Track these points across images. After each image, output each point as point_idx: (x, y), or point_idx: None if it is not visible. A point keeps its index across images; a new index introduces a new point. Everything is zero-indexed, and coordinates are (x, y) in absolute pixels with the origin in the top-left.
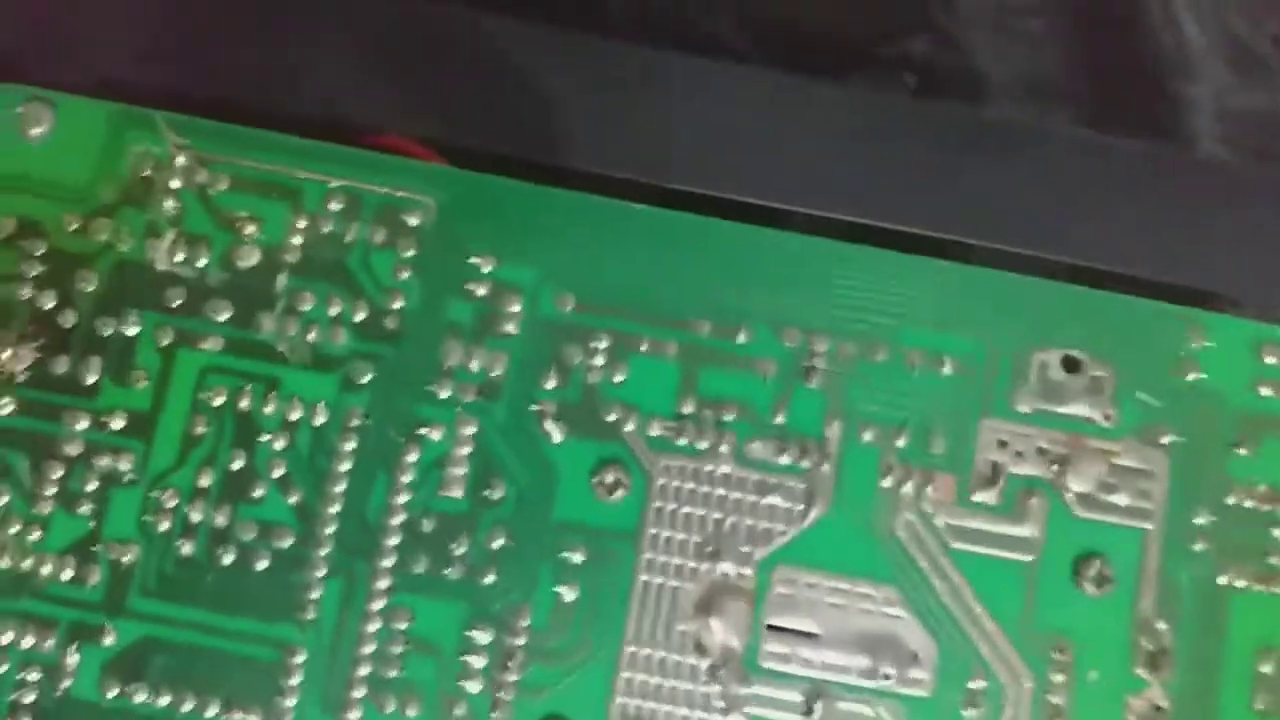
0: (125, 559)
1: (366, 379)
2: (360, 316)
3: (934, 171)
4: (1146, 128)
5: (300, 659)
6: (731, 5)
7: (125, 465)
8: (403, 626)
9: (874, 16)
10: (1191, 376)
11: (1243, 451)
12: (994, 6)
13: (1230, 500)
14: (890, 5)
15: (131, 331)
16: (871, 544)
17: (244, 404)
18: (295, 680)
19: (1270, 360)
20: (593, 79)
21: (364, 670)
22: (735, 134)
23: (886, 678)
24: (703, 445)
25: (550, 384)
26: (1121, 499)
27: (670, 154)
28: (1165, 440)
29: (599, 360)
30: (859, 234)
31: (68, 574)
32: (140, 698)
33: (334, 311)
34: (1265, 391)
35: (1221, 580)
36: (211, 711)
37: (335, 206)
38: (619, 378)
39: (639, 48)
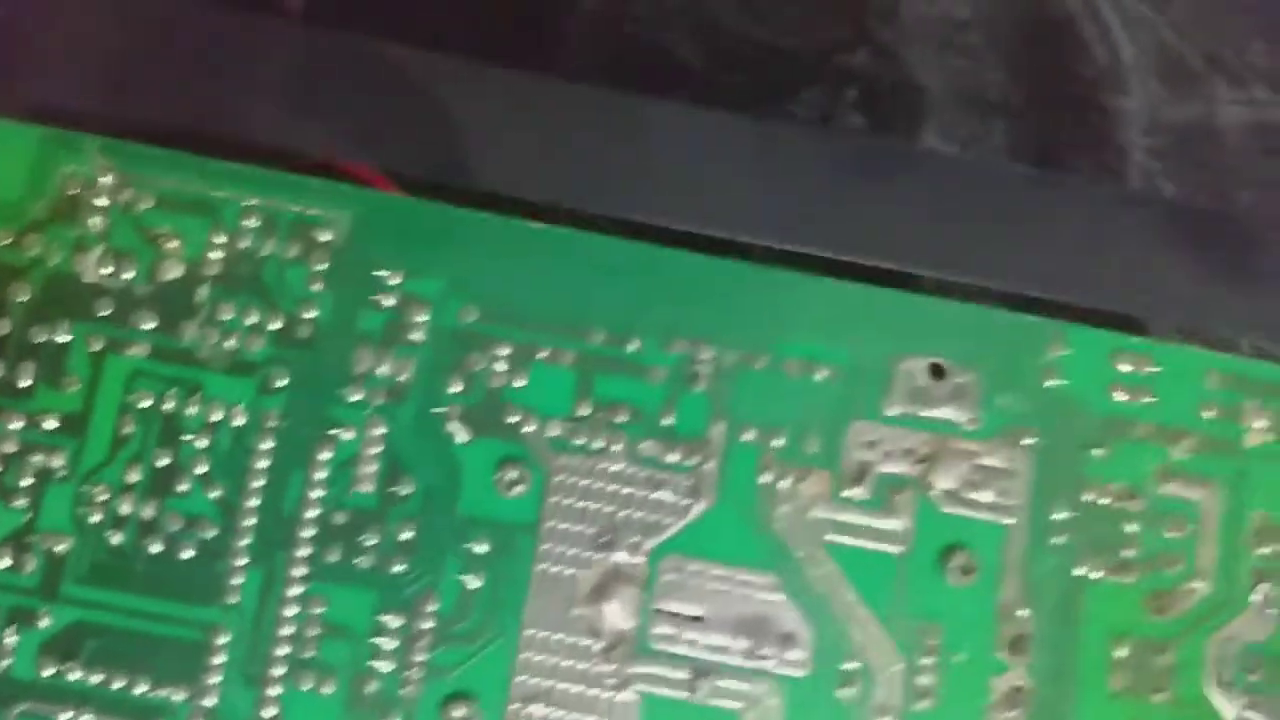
0: (59, 549)
1: (282, 383)
2: (276, 325)
3: (825, 195)
4: (1081, 140)
5: (224, 640)
6: (681, 21)
7: (58, 462)
8: (318, 612)
9: (818, 32)
10: (1051, 383)
11: (1098, 453)
12: (934, 20)
13: (1087, 497)
14: (831, 20)
15: (63, 339)
16: (752, 535)
17: (169, 406)
18: (219, 660)
19: (1124, 368)
20: (509, 111)
21: (283, 651)
22: (646, 162)
23: (765, 658)
24: (597, 444)
25: (455, 388)
26: (985, 496)
27: (572, 177)
28: (1026, 442)
29: (501, 366)
30: (743, 252)
31: (5, 562)
32: (74, 676)
33: (251, 321)
34: (1120, 397)
35: (1078, 571)
36: (141, 689)
37: (251, 224)
38: (519, 383)
39: (562, 84)
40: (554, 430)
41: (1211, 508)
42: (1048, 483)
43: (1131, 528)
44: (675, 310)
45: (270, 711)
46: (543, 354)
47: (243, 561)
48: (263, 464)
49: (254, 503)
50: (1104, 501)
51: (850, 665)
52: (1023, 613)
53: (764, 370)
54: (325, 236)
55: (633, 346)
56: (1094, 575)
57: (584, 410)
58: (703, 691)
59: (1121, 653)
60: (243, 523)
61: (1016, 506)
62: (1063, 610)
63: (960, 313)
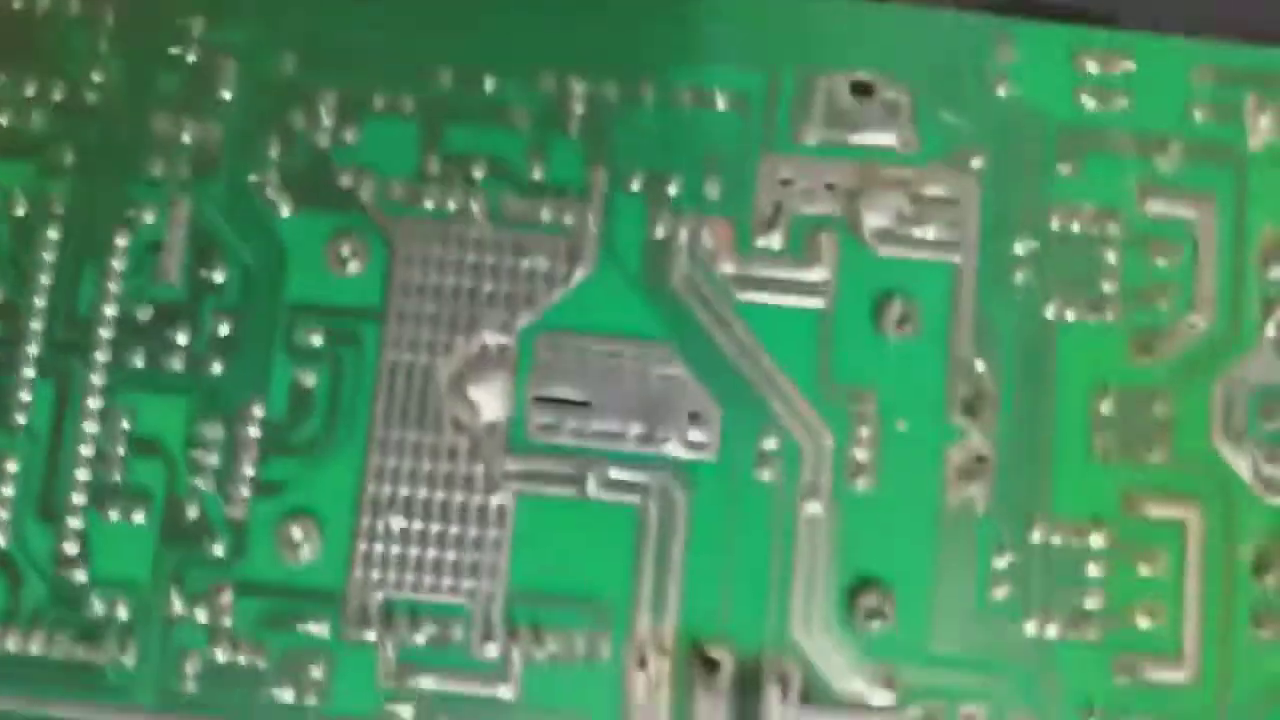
0: None
1: (68, 162)
2: (57, 95)
3: None
4: None
5: (12, 468)
6: None
7: None
8: (123, 426)
9: None
10: (1002, 92)
11: (1064, 170)
12: None
13: (1053, 225)
14: None
15: None
16: (643, 300)
17: None
18: (8, 491)
19: (1091, 67)
20: None
21: (84, 476)
22: None
23: (665, 442)
24: (450, 206)
25: (273, 152)
26: (926, 232)
27: None
28: (975, 164)
29: (327, 122)
30: None
31: None
32: None
33: (28, 92)
34: (1087, 103)
35: (1047, 313)
36: None
37: None
38: (351, 139)
39: None
40: (396, 193)
41: (1208, 226)
42: (1004, 211)
43: (1110, 257)
44: (537, 37)
45: (72, 548)
46: (378, 102)
47: (30, 373)
48: (49, 257)
49: (41, 303)
50: (1074, 228)
51: (769, 444)
52: (979, 366)
53: (650, 103)
54: None
55: (488, 85)
56: (1067, 316)
57: (432, 167)
58: (591, 486)
59: (1105, 407)
60: (29, 328)
61: (965, 242)
62: (1029, 361)
63: (886, 15)
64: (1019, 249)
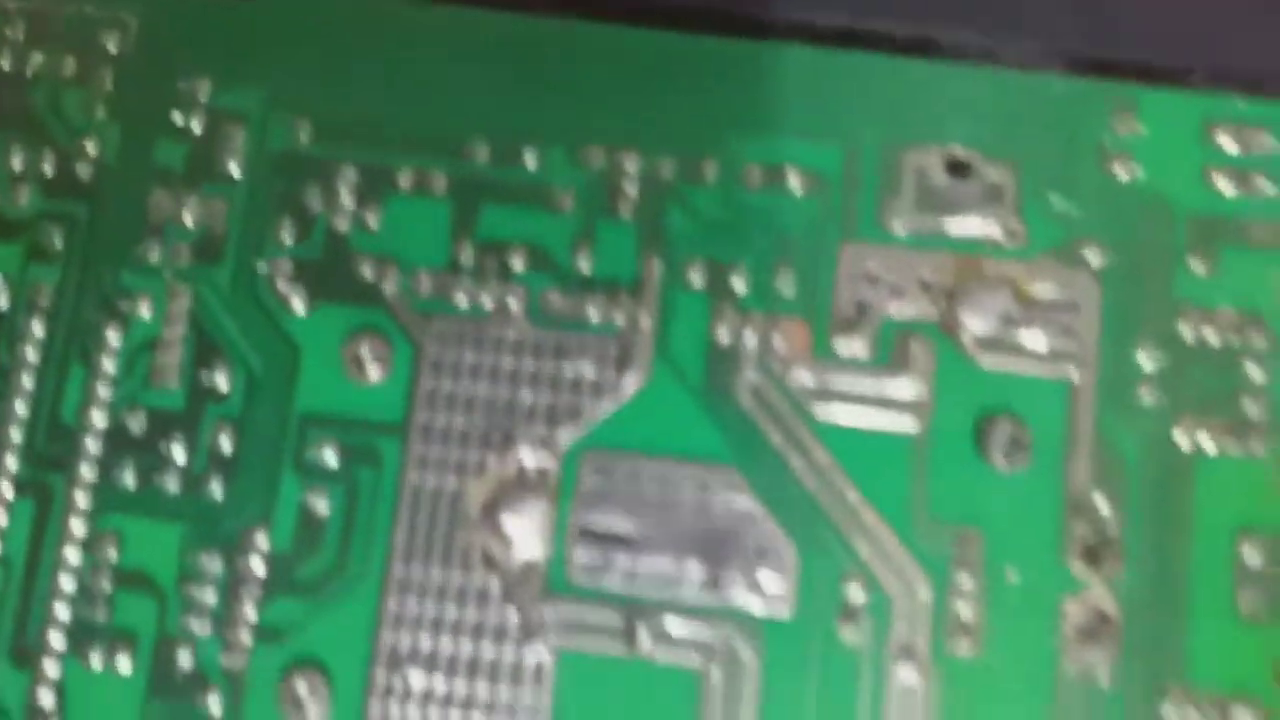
0: None
1: (56, 246)
2: (47, 169)
3: None
4: None
5: None
6: None
7: None
8: (110, 555)
9: None
10: (1121, 173)
11: (1197, 266)
12: None
13: (1184, 334)
14: None
15: None
16: (705, 416)
17: None
18: None
19: (1226, 144)
20: None
21: (63, 614)
22: None
23: (731, 588)
24: (486, 303)
25: (285, 237)
26: (1036, 340)
27: None
28: (1091, 258)
29: (347, 202)
30: (675, 19)
31: None
32: None
33: (15, 165)
34: (1221, 185)
35: (1180, 442)
36: None
37: (13, 34)
38: (374, 223)
39: None
40: (424, 286)
41: None
42: (1125, 315)
43: (1254, 372)
44: (585, 106)
45: (48, 699)
46: (405, 180)
47: (7, 492)
48: (32, 357)
49: (21, 410)
50: (1210, 337)
51: (855, 597)
52: (1101, 505)
53: (713, 183)
54: (109, 45)
55: (529, 162)
56: (1204, 445)
57: (465, 256)
58: (643, 640)
59: (1251, 557)
60: (6, 437)
61: (1082, 353)
62: (1160, 498)
63: (986, 79)
64: (1145, 362)
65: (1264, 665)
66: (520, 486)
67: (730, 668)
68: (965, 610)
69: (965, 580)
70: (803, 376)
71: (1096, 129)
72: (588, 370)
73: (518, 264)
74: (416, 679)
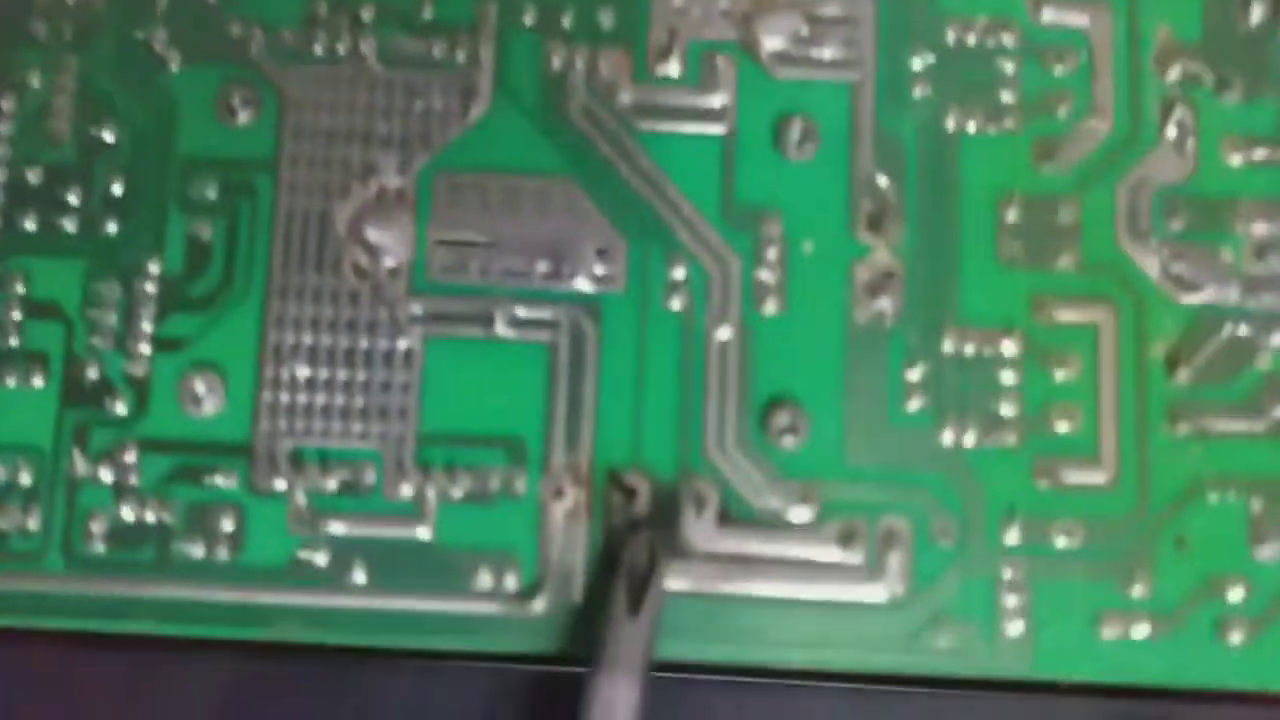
0: None
1: None
2: None
3: None
4: None
5: None
6: None
7: None
8: (19, 291)
9: None
10: None
11: None
12: None
13: (949, 39)
14: None
15: None
16: (542, 135)
17: None
18: None
19: None
20: None
21: None
22: None
23: (572, 277)
24: (340, 51)
25: (159, 7)
26: (823, 52)
27: None
28: None
29: None
30: None
31: None
32: None
33: None
34: None
35: (948, 126)
36: None
37: None
38: None
39: None
40: (286, 40)
41: (1102, 31)
42: (898, 27)
43: (1008, 66)
44: None
45: None
46: None
47: None
48: None
49: None
50: (970, 39)
51: (677, 273)
52: (882, 182)
53: None
54: None
55: None
56: (968, 127)
57: (320, 11)
58: (499, 325)
59: (1010, 215)
60: None
61: (863, 60)
62: (932, 173)
63: None
64: (916, 64)
65: (1024, 302)
66: (382, 205)
67: (575, 340)
68: (769, 278)
69: (770, 254)
70: (625, 97)
71: None
72: (436, 103)
73: (367, 15)
74: (301, 370)
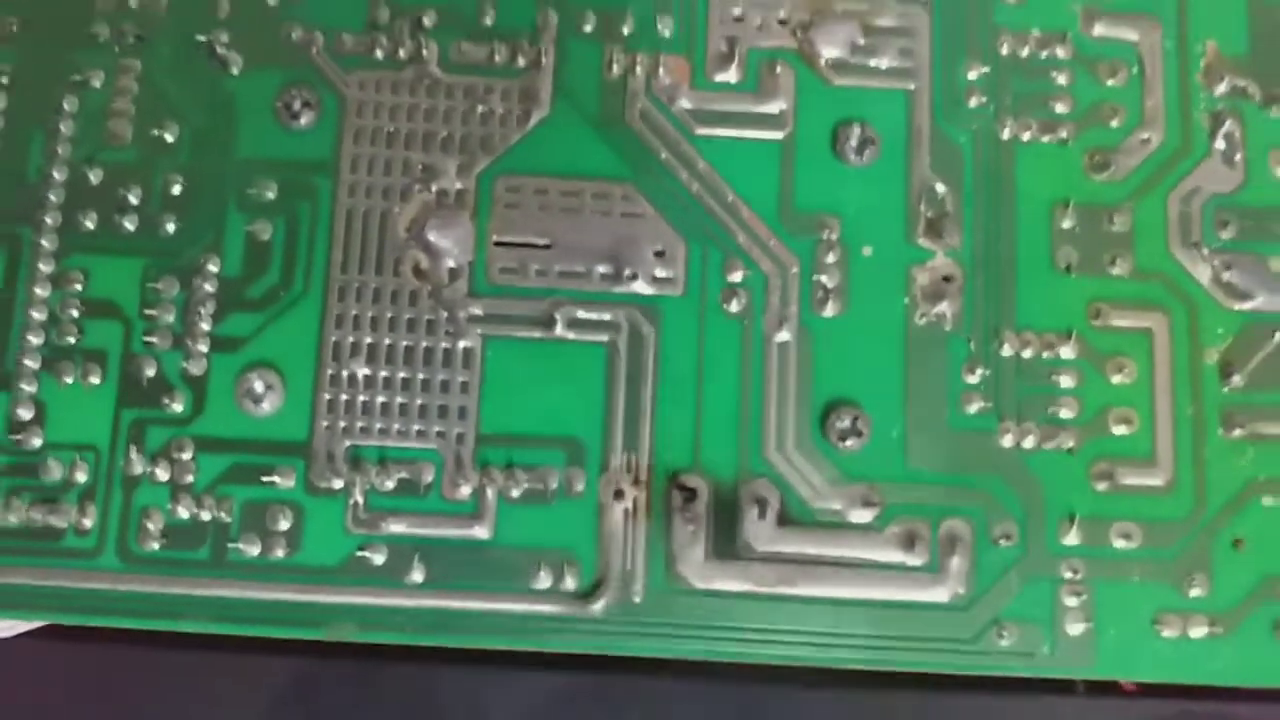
0: None
1: (14, 30)
2: None
3: None
4: None
5: None
6: None
7: None
8: (76, 289)
9: None
10: None
11: None
12: None
13: (1004, 49)
14: None
15: None
16: (602, 140)
17: None
18: None
19: None
20: None
21: (36, 340)
22: None
23: (631, 279)
24: (402, 56)
25: (221, 12)
26: (880, 61)
27: None
28: None
29: None
30: None
31: None
32: None
33: None
34: None
35: (1004, 135)
36: None
37: None
38: None
39: None
40: (346, 45)
41: (1153, 46)
42: (954, 36)
43: (1060, 79)
44: None
45: (26, 413)
46: None
47: None
48: None
49: None
50: (1024, 52)
51: (735, 276)
52: (940, 189)
53: None
54: None
55: None
56: (1023, 137)
57: (381, 16)
58: (559, 327)
59: (1065, 223)
60: None
61: (919, 69)
62: (988, 181)
63: None
64: (971, 74)
65: (1081, 307)
66: (442, 207)
67: (633, 342)
68: (828, 281)
69: (829, 258)
70: (684, 102)
71: None
72: (496, 106)
73: (429, 20)
74: (360, 369)
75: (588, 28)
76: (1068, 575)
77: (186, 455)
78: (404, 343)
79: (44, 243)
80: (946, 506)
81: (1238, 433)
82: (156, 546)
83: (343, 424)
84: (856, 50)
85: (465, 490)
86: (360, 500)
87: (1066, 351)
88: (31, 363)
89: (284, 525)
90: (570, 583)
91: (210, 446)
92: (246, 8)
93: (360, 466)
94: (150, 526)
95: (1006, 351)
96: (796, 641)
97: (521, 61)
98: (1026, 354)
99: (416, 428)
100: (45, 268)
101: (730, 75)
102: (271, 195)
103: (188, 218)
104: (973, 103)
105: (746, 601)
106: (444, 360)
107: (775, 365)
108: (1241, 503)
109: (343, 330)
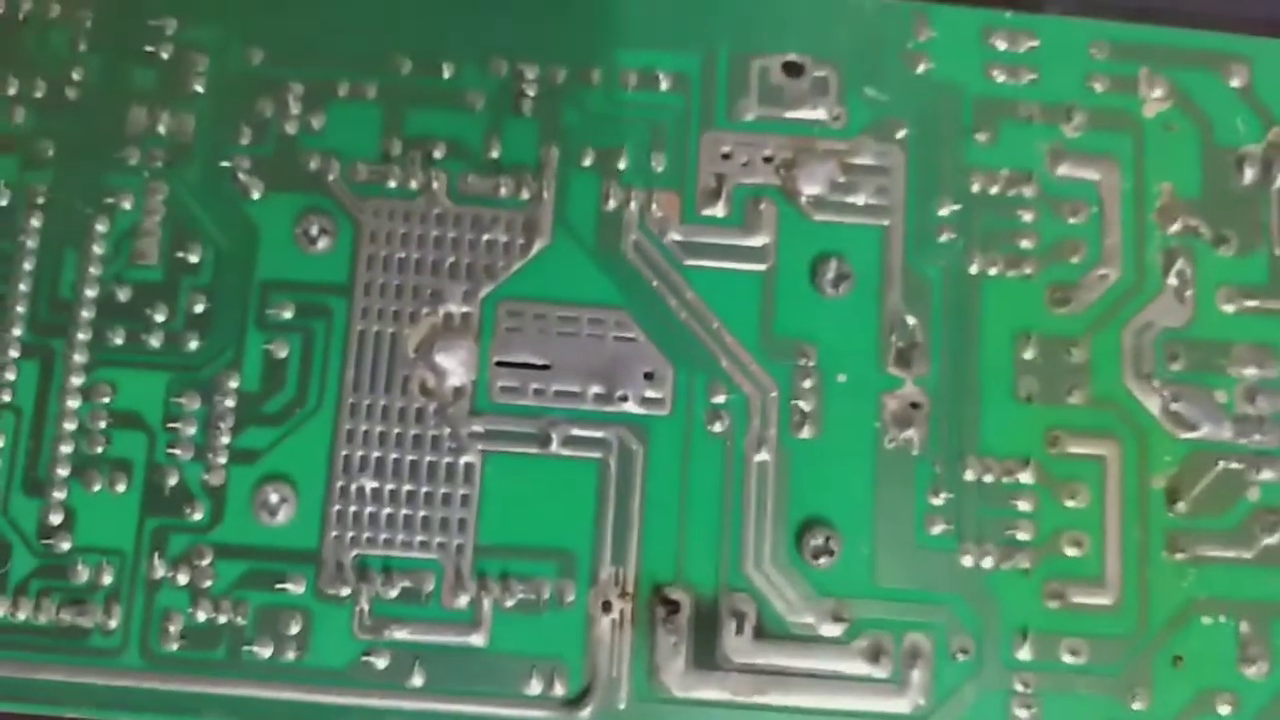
0: None
1: (49, 154)
2: (39, 93)
3: None
4: None
5: None
6: None
7: None
8: (104, 401)
9: None
10: (920, 68)
11: (981, 138)
12: None
13: (973, 188)
14: None
15: None
16: (598, 269)
17: None
18: None
19: (1000, 45)
20: None
21: (67, 449)
22: None
23: (622, 400)
24: (413, 186)
25: (244, 139)
26: (857, 198)
27: None
28: (899, 134)
29: (294, 110)
30: None
31: None
32: None
33: (10, 91)
34: (998, 76)
35: (972, 269)
36: None
37: None
38: (317, 125)
39: None
40: (361, 174)
41: (1112, 186)
42: (927, 176)
43: (1026, 216)
44: (490, 27)
45: (57, 518)
46: (342, 90)
47: (15, 354)
48: (32, 244)
49: (25, 288)
50: (993, 190)
51: (719, 398)
52: (910, 320)
53: (598, 86)
54: None
55: (446, 73)
56: (989, 271)
57: (394, 149)
58: (555, 444)
59: (1027, 354)
60: (14, 311)
61: (894, 206)
62: (956, 314)
63: (814, 3)
64: (943, 211)
65: (1039, 435)
66: (448, 330)
67: (623, 459)
68: (805, 405)
69: (806, 383)
70: (675, 235)
71: (900, 36)
72: (500, 236)
73: (439, 153)
74: (369, 483)
75: (586, 162)
76: (1019, 688)
77: (205, 561)
78: (409, 458)
79: (76, 357)
80: (910, 621)
81: (1180, 556)
82: (176, 647)
83: (350, 534)
84: (835, 188)
85: (463, 600)
86: (366, 607)
87: (1025, 477)
88: (62, 471)
89: (295, 629)
90: (560, 689)
91: (227, 553)
92: (267, 135)
93: (366, 575)
94: (170, 628)
95: (969, 476)
96: None
97: (525, 194)
98: (988, 479)
99: (419, 539)
100: (76, 380)
101: (718, 210)
102: (289, 315)
103: (210, 335)
104: (943, 238)
105: (724, 710)
106: (446, 475)
107: (754, 484)
108: (1182, 621)
109: (353, 445)
